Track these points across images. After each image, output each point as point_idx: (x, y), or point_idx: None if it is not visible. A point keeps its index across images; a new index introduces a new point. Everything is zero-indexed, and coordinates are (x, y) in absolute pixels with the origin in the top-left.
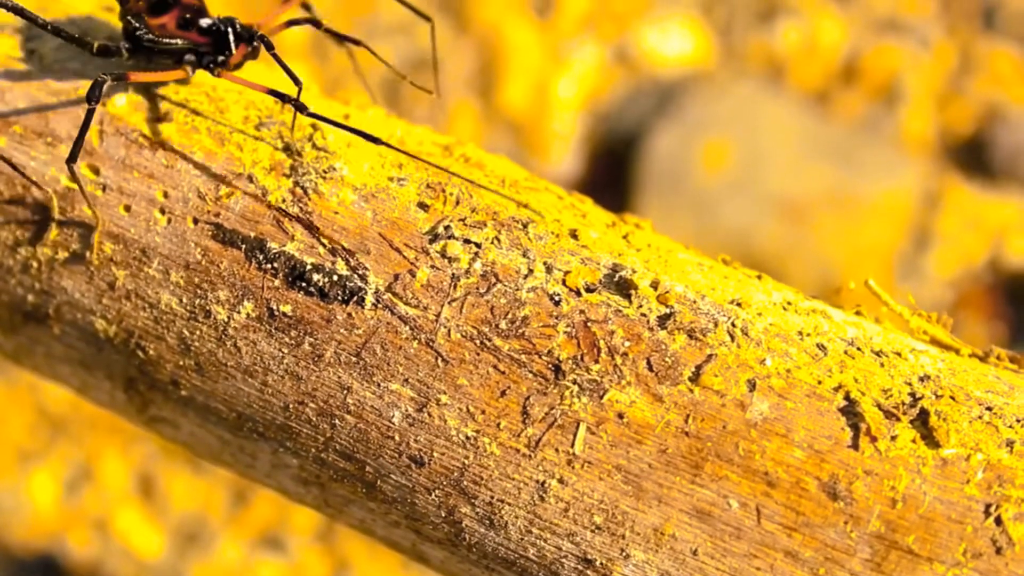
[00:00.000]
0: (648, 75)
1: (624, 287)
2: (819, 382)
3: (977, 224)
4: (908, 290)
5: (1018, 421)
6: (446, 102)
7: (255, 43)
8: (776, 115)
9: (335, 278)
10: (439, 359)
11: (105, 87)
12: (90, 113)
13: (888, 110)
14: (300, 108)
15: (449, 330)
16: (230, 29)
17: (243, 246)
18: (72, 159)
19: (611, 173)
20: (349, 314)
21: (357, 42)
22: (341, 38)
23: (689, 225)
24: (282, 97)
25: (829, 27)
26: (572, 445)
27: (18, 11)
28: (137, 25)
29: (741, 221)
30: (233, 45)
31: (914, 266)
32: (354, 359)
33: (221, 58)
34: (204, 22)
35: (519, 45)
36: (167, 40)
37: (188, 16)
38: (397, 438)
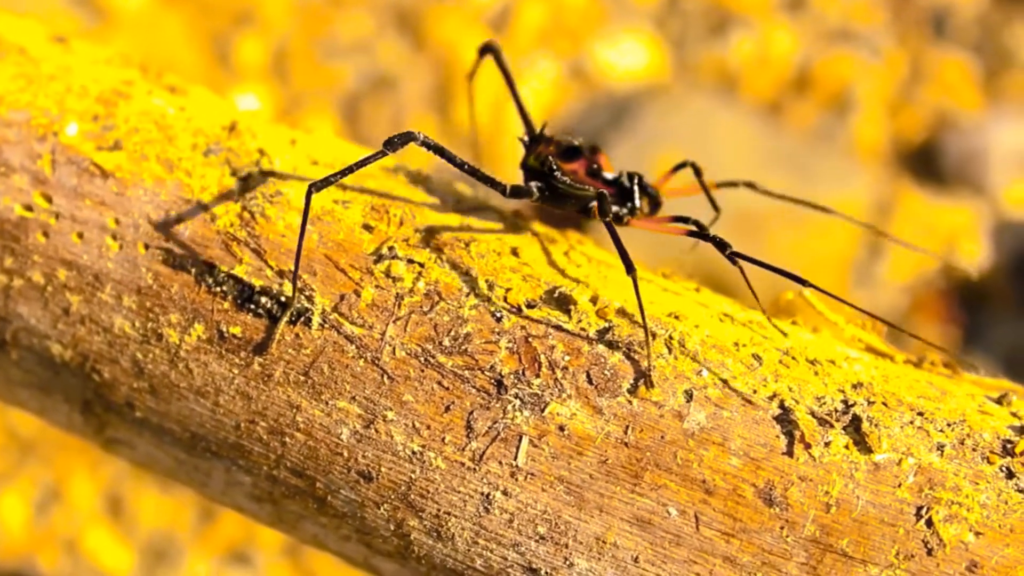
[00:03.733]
0: (603, 89)
1: (564, 303)
2: (754, 391)
3: (930, 230)
4: (864, 297)
5: (949, 425)
6: (403, 119)
7: (657, 199)
8: (730, 127)
9: (283, 300)
10: (385, 376)
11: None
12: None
13: (840, 119)
14: (721, 246)
15: (394, 348)
16: (636, 181)
17: (193, 270)
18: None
19: None
20: (297, 335)
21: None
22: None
23: (645, 237)
24: (702, 235)
25: (781, 38)
26: (515, 458)
27: (437, 150)
28: (554, 167)
29: None
30: (638, 197)
31: (869, 273)
32: (302, 378)
33: (626, 209)
34: (609, 174)
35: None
36: (578, 185)
37: (596, 165)
38: (346, 454)
